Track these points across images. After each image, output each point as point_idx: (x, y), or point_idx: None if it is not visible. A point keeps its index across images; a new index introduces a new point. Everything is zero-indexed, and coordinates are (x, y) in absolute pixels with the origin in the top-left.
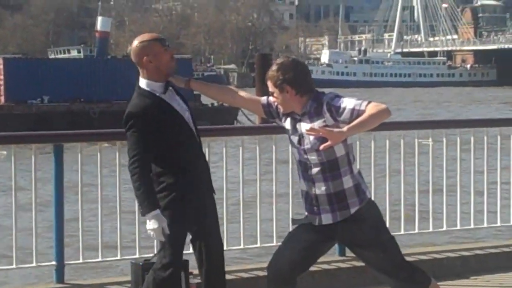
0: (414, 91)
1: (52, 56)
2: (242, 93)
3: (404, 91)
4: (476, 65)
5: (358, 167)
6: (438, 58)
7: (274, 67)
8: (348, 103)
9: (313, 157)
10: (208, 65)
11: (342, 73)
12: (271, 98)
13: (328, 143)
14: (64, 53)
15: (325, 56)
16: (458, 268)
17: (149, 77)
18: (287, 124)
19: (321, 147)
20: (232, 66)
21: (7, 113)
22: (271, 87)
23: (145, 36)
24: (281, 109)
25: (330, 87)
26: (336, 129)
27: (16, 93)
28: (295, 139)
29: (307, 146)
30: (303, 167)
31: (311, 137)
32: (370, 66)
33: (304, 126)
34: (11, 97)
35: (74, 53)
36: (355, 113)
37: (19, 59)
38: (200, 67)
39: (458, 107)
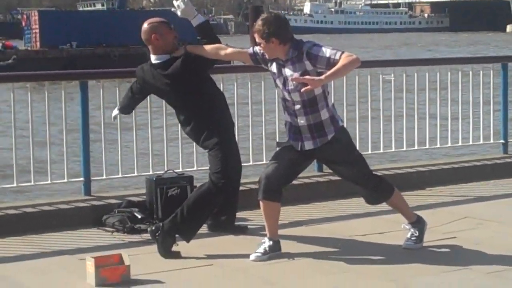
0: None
1: (80, 9)
2: (230, 49)
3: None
4: (433, 14)
5: (332, 100)
6: (401, 8)
7: (259, 22)
8: (325, 52)
9: (295, 96)
10: (210, 15)
11: (321, 22)
12: (256, 48)
13: (309, 87)
14: (90, 6)
15: (307, 8)
16: (415, 181)
17: (156, 53)
18: (273, 68)
19: (302, 89)
20: (230, 16)
21: (42, 57)
22: (258, 39)
23: (154, 19)
24: (267, 56)
25: (312, 33)
26: (316, 77)
27: (49, 39)
28: (280, 81)
29: (290, 87)
30: (287, 103)
31: None
32: (344, 15)
33: (287, 71)
34: (45, 43)
35: (98, 6)
36: (331, 61)
37: (52, 12)
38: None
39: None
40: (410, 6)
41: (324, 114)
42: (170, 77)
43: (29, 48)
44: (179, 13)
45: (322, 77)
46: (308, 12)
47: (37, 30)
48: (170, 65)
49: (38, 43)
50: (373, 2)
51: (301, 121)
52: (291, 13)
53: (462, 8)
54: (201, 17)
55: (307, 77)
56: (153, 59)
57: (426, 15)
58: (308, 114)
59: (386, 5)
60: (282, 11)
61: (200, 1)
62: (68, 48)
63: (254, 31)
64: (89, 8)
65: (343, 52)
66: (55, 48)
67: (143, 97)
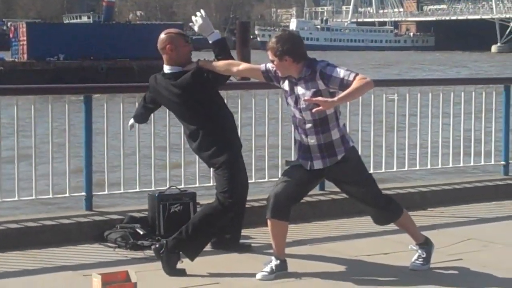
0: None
1: (66, 21)
2: (242, 65)
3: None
4: (418, 33)
5: (344, 120)
6: (387, 27)
7: (273, 39)
8: (338, 73)
9: (307, 115)
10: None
11: (308, 39)
12: (268, 65)
13: (320, 107)
14: (76, 18)
15: (293, 24)
16: (417, 201)
17: (169, 63)
18: (285, 86)
19: (314, 110)
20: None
21: (29, 69)
22: (271, 56)
23: (172, 30)
24: (280, 74)
25: None
26: (328, 99)
27: (36, 51)
28: (292, 99)
29: (302, 106)
30: (298, 122)
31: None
32: (330, 33)
33: (300, 90)
34: (32, 55)
35: (84, 19)
36: (344, 82)
37: (39, 24)
38: (189, 32)
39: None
40: (396, 24)
41: (335, 134)
42: (179, 87)
43: (16, 60)
44: (196, 28)
45: (335, 99)
46: (294, 29)
47: (25, 42)
48: (181, 76)
49: (25, 55)
50: (359, 20)
51: (312, 140)
52: (277, 30)
53: (447, 28)
54: (217, 34)
55: (320, 98)
56: (166, 69)
57: (411, 34)
58: (319, 133)
59: (372, 23)
60: (268, 27)
61: (187, 17)
62: (55, 61)
63: (268, 49)
64: (75, 21)
65: (357, 74)
66: (43, 60)
67: (155, 107)
